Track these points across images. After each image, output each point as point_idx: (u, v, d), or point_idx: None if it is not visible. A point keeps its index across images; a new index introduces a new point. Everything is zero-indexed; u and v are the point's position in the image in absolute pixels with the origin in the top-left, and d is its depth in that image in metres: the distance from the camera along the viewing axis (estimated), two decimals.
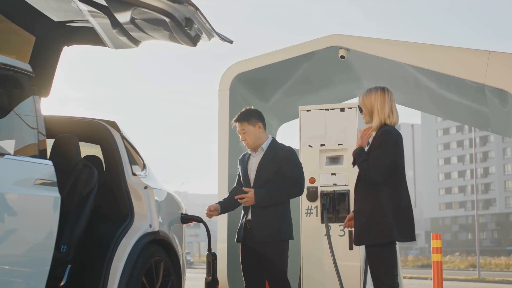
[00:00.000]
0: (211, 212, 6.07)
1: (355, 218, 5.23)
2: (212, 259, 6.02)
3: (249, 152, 6.12)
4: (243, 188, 5.93)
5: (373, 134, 5.26)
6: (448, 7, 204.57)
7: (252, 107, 6.19)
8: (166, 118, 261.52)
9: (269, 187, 5.87)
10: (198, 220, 6.13)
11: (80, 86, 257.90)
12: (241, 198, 5.89)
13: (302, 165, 6.10)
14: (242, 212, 6.10)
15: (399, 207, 5.08)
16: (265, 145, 6.01)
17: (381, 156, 5.07)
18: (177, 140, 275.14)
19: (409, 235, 5.08)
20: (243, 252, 6.04)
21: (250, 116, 6.04)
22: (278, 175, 5.89)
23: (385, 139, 5.10)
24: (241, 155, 6.24)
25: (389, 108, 5.23)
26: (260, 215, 5.90)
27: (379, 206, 5.05)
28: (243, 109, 6.14)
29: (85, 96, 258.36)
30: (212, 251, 6.09)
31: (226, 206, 6.18)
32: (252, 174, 6.01)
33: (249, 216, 5.96)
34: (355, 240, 5.27)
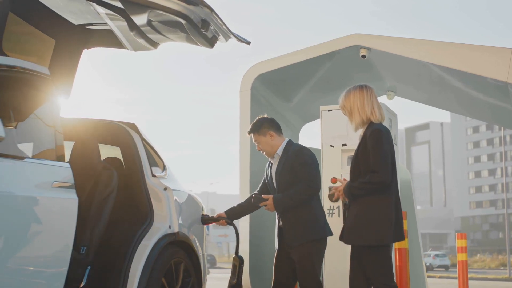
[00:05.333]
0: (219, 223, 6.15)
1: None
2: (239, 263, 6.00)
3: (270, 159, 6.12)
4: (263, 195, 5.95)
5: (360, 133, 5.16)
6: (464, 7, 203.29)
7: (264, 116, 6.18)
8: (195, 118, 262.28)
9: (287, 191, 5.86)
10: (229, 223, 6.14)
11: (114, 87, 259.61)
12: (265, 206, 5.92)
13: (311, 162, 5.96)
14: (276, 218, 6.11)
15: (391, 204, 5.02)
16: (279, 150, 5.99)
17: (382, 156, 4.95)
18: (206, 140, 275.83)
19: (402, 235, 5.06)
20: (277, 255, 6.01)
21: (259, 127, 6.03)
22: (295, 178, 5.87)
23: (379, 138, 4.98)
24: (267, 162, 6.24)
25: (370, 105, 5.11)
26: (287, 219, 5.89)
27: (379, 206, 4.98)
28: (255, 119, 6.15)
29: (120, 97, 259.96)
30: (239, 254, 6.07)
31: (239, 211, 6.20)
32: (274, 181, 6.01)
33: (280, 221, 5.97)
34: (349, 239, 5.10)
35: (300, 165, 5.85)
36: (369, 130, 5.05)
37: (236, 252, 6.09)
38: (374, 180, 4.94)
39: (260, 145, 6.03)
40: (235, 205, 6.26)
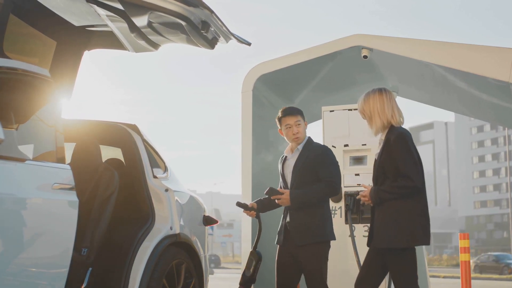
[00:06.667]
0: (250, 213, 6.11)
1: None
2: (256, 259, 5.95)
3: (285, 154, 6.07)
4: (278, 189, 5.89)
5: (381, 136, 5.13)
6: (465, 7, 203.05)
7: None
8: (199, 118, 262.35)
9: (305, 188, 5.81)
10: (256, 216, 6.09)
11: (119, 88, 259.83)
12: (278, 199, 5.85)
13: (336, 163, 5.92)
14: (282, 215, 6.05)
15: (424, 207, 4.99)
16: (300, 146, 5.94)
17: (412, 161, 4.92)
18: (209, 140, 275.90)
19: (429, 238, 5.01)
20: (280, 254, 5.95)
21: (301, 112, 6.04)
22: (315, 176, 5.83)
23: (405, 143, 4.94)
24: (280, 158, 6.19)
25: (391, 108, 5.07)
26: (298, 217, 5.82)
27: (408, 208, 4.93)
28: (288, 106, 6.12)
29: (124, 98, 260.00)
30: (257, 250, 6.01)
31: (267, 204, 6.14)
32: (289, 176, 5.94)
33: (288, 219, 5.91)
34: (379, 242, 4.99)
35: (324, 164, 5.80)
36: (393, 134, 5.00)
37: (255, 247, 6.04)
38: (408, 184, 4.88)
39: (300, 127, 5.95)
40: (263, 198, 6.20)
